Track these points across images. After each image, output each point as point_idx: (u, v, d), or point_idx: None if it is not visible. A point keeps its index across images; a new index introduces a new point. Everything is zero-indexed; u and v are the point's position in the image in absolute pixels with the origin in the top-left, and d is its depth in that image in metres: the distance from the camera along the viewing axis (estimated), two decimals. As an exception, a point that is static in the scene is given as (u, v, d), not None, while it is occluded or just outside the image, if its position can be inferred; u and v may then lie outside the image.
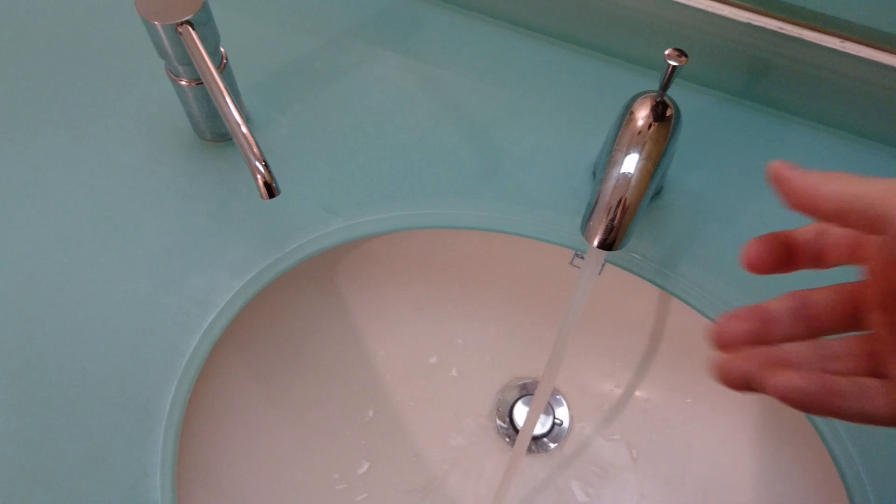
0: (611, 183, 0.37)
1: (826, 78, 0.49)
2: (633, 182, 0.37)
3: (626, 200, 0.37)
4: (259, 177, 0.36)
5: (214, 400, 0.47)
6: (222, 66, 0.46)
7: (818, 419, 0.43)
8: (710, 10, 0.49)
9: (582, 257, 0.50)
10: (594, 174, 0.50)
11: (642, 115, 0.40)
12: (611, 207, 0.37)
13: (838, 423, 0.42)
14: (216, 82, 0.39)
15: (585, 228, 0.38)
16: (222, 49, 0.46)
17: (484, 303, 0.55)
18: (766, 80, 0.52)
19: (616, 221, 0.37)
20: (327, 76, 0.54)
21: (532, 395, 0.55)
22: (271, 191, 0.36)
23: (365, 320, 0.54)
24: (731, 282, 0.46)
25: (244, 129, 0.37)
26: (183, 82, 0.45)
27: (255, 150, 0.37)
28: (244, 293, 0.46)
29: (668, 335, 0.51)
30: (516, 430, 0.55)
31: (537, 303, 0.55)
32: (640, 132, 0.39)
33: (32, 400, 0.42)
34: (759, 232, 0.48)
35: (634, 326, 0.52)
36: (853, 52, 0.47)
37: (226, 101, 0.38)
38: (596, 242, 0.37)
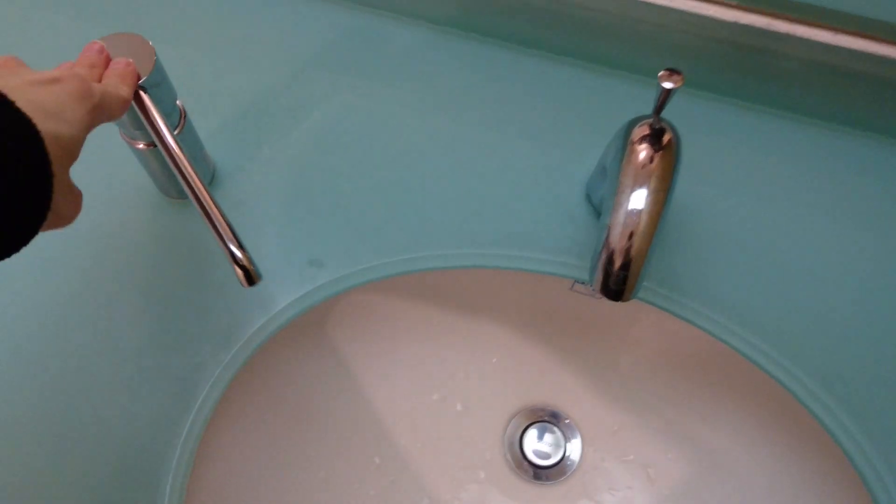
0: (617, 230, 0.35)
1: (820, 72, 0.47)
2: (641, 227, 0.35)
3: (634, 248, 0.35)
4: (237, 267, 0.33)
5: (215, 478, 0.44)
6: (181, 126, 0.42)
7: (841, 434, 0.42)
8: (695, 10, 0.47)
9: (583, 283, 0.48)
10: (588, 196, 0.47)
11: (643, 146, 0.37)
12: (619, 257, 0.35)
13: (862, 439, 0.41)
14: (185, 166, 0.35)
15: (593, 278, 0.36)
16: (179, 102, 0.42)
17: (483, 335, 0.53)
18: (758, 79, 0.49)
19: (627, 271, 0.35)
20: (295, 113, 0.50)
21: (541, 422, 0.54)
22: (251, 278, 0.33)
23: (362, 367, 0.52)
24: (741, 303, 0.45)
25: (216, 212, 0.34)
26: (140, 146, 0.42)
27: (229, 232, 0.34)
28: (233, 363, 0.43)
29: (677, 357, 0.49)
30: (528, 461, 0.53)
31: (538, 330, 0.53)
32: (643, 166, 0.37)
33: (18, 508, 0.40)
34: (768, 248, 0.46)
35: (645, 350, 0.51)
36: (846, 45, 0.45)
37: (194, 182, 0.35)
38: (606, 294, 0.35)
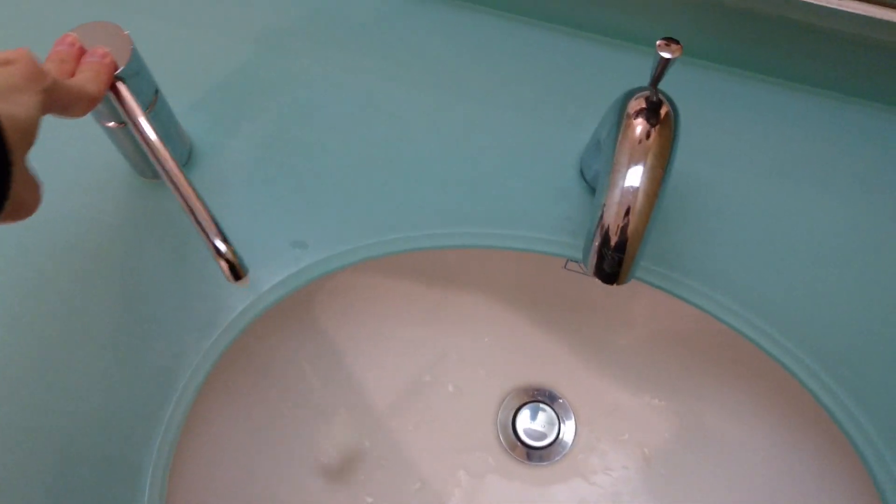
0: (612, 210, 0.33)
1: (825, 39, 0.45)
2: (637, 207, 0.33)
3: (630, 229, 0.33)
4: (222, 261, 0.31)
5: (198, 468, 0.43)
6: (152, 105, 0.40)
7: (840, 413, 0.41)
8: (694, -27, 0.44)
9: (576, 262, 0.46)
10: (582, 172, 0.46)
11: (639, 121, 0.35)
12: (614, 238, 0.33)
13: (863, 419, 0.40)
14: (163, 157, 0.33)
15: (587, 261, 0.34)
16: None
17: (475, 315, 0.52)
18: (760, 47, 0.47)
19: (622, 254, 0.33)
20: (277, 87, 0.48)
21: (533, 402, 0.53)
22: (237, 272, 0.32)
23: (350, 350, 0.50)
24: (740, 281, 0.43)
25: (197, 203, 0.32)
26: (110, 124, 0.39)
27: (212, 224, 0.32)
28: (215, 350, 0.42)
29: (674, 336, 0.48)
30: (522, 442, 0.52)
31: (531, 309, 0.51)
32: (639, 142, 0.35)
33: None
34: (769, 225, 0.45)
35: (640, 329, 0.49)
36: (854, 10, 0.43)
37: (173, 172, 0.33)
38: (601, 277, 0.34)
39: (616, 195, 0.33)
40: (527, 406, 0.53)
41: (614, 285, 0.34)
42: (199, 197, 0.32)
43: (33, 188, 0.29)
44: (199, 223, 0.32)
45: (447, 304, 0.51)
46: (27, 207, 0.29)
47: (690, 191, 0.45)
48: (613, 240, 0.33)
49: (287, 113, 0.47)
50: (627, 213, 0.33)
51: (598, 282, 0.47)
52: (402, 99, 0.48)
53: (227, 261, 0.31)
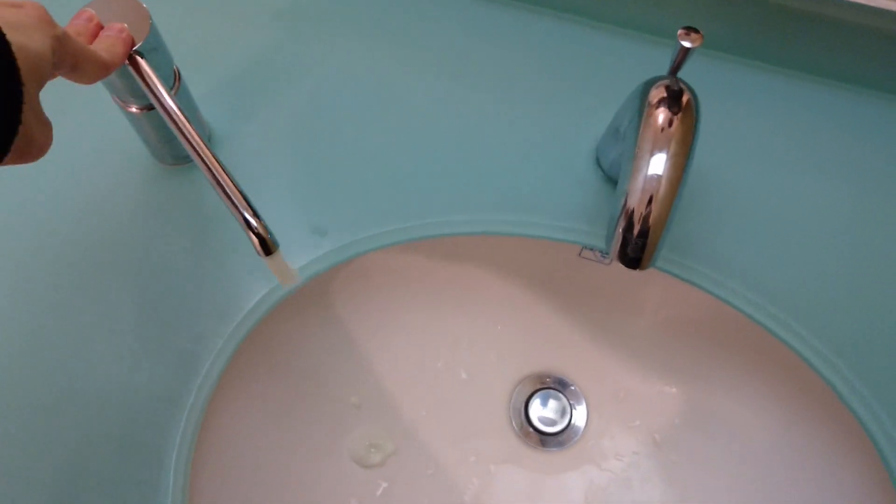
0: (636, 196, 0.34)
1: (843, 30, 0.45)
2: (661, 193, 0.34)
3: (654, 214, 0.33)
4: (252, 235, 0.32)
5: (220, 451, 0.43)
6: (176, 88, 0.40)
7: (852, 399, 0.41)
8: (709, -35, 0.45)
9: (591, 249, 0.47)
10: (598, 160, 0.46)
11: (660, 109, 0.36)
12: (638, 224, 0.34)
13: (875, 404, 0.41)
14: (189, 133, 0.33)
15: (610, 246, 0.35)
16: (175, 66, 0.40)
17: (488, 302, 0.52)
18: (776, 38, 0.48)
19: (646, 239, 0.34)
20: (293, 74, 0.48)
21: (547, 389, 0.53)
22: (267, 246, 0.32)
23: (366, 336, 0.51)
24: (753, 269, 0.44)
25: (226, 178, 0.32)
26: (133, 109, 0.40)
27: (242, 199, 0.32)
28: (236, 335, 0.42)
29: (686, 323, 0.49)
30: (534, 428, 0.53)
31: (544, 296, 0.52)
32: (662, 130, 0.35)
33: (39, 467, 0.39)
34: (782, 214, 0.45)
35: (652, 316, 0.50)
36: (873, 4, 0.44)
37: (201, 149, 0.33)
38: (624, 262, 0.34)
39: (640, 182, 0.34)
40: (539, 392, 0.53)
41: (637, 270, 0.34)
42: (227, 172, 0.32)
43: (45, 126, 0.29)
44: (229, 198, 0.32)
45: (461, 290, 0.52)
46: (38, 146, 0.29)
47: (704, 180, 0.46)
48: (637, 225, 0.34)
49: (304, 100, 0.48)
50: (651, 199, 0.34)
51: (612, 269, 0.48)
52: (419, 87, 0.48)
53: (258, 234, 0.31)
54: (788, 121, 0.48)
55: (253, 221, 0.32)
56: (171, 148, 0.44)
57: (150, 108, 0.40)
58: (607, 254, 0.47)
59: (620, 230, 0.34)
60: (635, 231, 0.34)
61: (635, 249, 0.34)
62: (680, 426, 0.51)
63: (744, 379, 0.48)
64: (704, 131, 0.47)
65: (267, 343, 0.45)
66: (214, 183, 0.33)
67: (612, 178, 0.46)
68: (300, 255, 0.43)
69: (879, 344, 0.42)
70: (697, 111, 0.36)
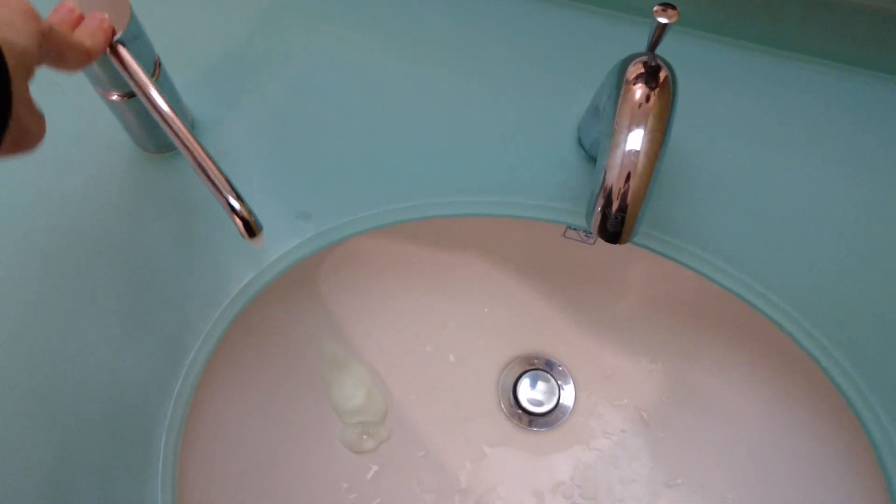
0: (614, 171, 0.34)
1: (817, 5, 0.46)
2: (639, 168, 0.34)
3: (633, 189, 0.34)
4: (237, 218, 0.32)
5: (208, 436, 0.44)
6: (157, 75, 0.40)
7: (838, 374, 0.42)
8: (686, -56, 0.45)
9: (575, 230, 0.47)
10: (580, 140, 0.46)
11: (638, 85, 0.36)
12: (617, 198, 0.34)
13: (860, 380, 0.42)
14: (172, 120, 0.34)
15: (590, 221, 0.35)
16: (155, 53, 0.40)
17: (475, 284, 0.53)
18: (751, 14, 0.48)
19: (625, 213, 0.34)
20: (275, 62, 0.48)
21: (534, 370, 0.54)
22: (252, 229, 0.32)
23: (354, 320, 0.51)
24: (736, 245, 0.44)
25: (209, 163, 0.32)
26: (114, 97, 0.40)
27: (225, 182, 0.32)
28: (223, 320, 0.42)
29: (671, 301, 0.49)
30: (523, 409, 0.53)
31: (530, 277, 0.52)
32: (639, 105, 0.36)
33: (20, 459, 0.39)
34: (764, 191, 0.46)
35: (637, 294, 0.50)
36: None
37: (182, 133, 0.33)
38: (604, 237, 0.35)
39: (618, 157, 0.34)
40: (528, 374, 0.54)
41: (618, 244, 0.35)
42: (210, 157, 0.33)
43: (38, 117, 0.30)
44: (212, 182, 0.32)
45: (448, 273, 0.52)
46: (32, 136, 0.29)
47: (685, 158, 0.46)
48: (616, 200, 0.34)
49: (287, 87, 0.48)
50: (629, 174, 0.34)
51: (596, 248, 0.48)
52: (400, 72, 0.48)
53: (242, 218, 0.32)
54: (768, 99, 0.48)
55: (236, 204, 0.32)
56: (153, 136, 0.44)
57: (132, 95, 0.40)
58: (589, 231, 0.47)
59: (600, 206, 0.34)
60: (614, 206, 0.34)
61: (615, 224, 0.34)
62: (667, 403, 0.51)
63: (729, 355, 0.49)
64: (684, 109, 0.47)
65: (254, 328, 0.45)
66: (197, 167, 0.33)
67: (594, 158, 0.46)
68: (285, 240, 0.44)
69: (861, 317, 0.43)
70: (675, 87, 0.37)
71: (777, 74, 0.49)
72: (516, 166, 0.46)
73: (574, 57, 0.49)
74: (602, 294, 0.51)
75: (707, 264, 0.44)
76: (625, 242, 0.34)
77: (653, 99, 0.36)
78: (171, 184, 0.45)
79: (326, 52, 0.49)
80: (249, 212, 0.32)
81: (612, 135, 0.35)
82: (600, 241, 0.48)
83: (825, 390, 0.43)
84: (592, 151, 0.46)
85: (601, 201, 0.34)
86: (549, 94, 0.48)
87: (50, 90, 0.46)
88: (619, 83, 0.37)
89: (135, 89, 0.35)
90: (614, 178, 0.34)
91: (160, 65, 0.40)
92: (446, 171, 0.46)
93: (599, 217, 0.35)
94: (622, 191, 0.34)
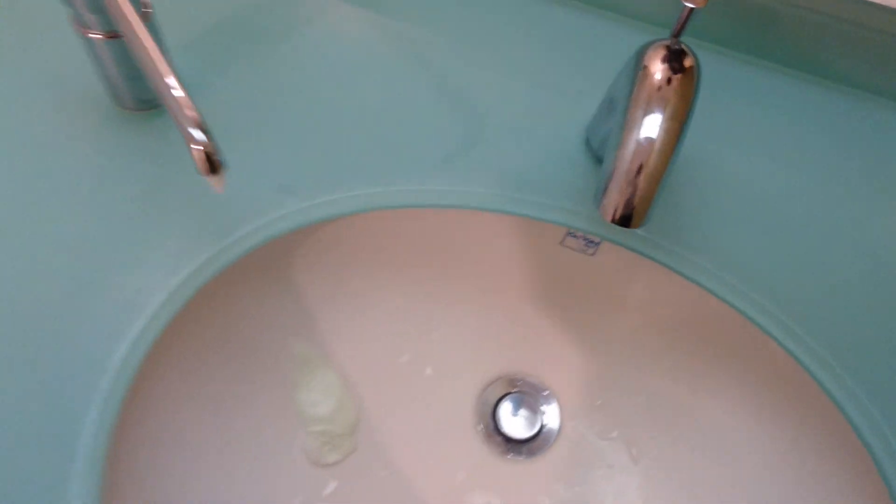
0: (630, 148, 0.31)
1: (837, 30, 0.44)
2: (657, 146, 0.31)
3: (649, 168, 0.31)
4: (195, 147, 0.28)
5: (147, 425, 0.39)
6: (145, 16, 0.37)
7: (849, 407, 0.38)
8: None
9: (574, 236, 0.44)
10: (587, 140, 0.44)
11: (659, 67, 0.34)
12: (631, 178, 0.31)
13: (876, 412, 0.38)
14: (139, 31, 0.30)
15: (600, 203, 0.32)
16: None
17: (462, 291, 0.49)
18: (770, 32, 0.46)
19: (638, 194, 0.31)
20: (275, 34, 0.46)
21: (518, 392, 0.49)
22: (213, 165, 0.29)
23: (325, 315, 0.47)
24: (745, 261, 0.41)
25: (175, 85, 0.29)
26: (94, 35, 0.37)
27: (191, 111, 0.29)
28: (182, 292, 0.38)
29: (673, 323, 0.46)
30: (502, 435, 0.48)
31: (520, 288, 0.49)
32: (659, 87, 0.33)
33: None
34: (774, 204, 0.43)
35: (637, 315, 0.47)
36: None
37: (150, 52, 0.30)
38: (613, 218, 0.31)
39: (633, 136, 0.32)
40: (510, 396, 0.50)
41: (629, 228, 0.31)
42: (182, 84, 0.29)
43: None
44: (174, 105, 0.29)
45: (434, 276, 0.48)
46: None
47: (696, 170, 0.44)
48: (631, 179, 0.31)
49: (283, 60, 0.45)
50: (646, 152, 0.31)
51: (595, 260, 0.45)
52: (402, 56, 0.46)
53: (203, 150, 0.28)
54: (782, 118, 0.46)
55: (199, 135, 0.28)
56: (133, 88, 0.41)
57: (115, 35, 0.37)
58: (591, 240, 0.44)
59: (612, 184, 0.31)
60: (630, 188, 0.31)
61: (627, 205, 0.31)
62: (661, 439, 0.47)
63: (735, 388, 0.45)
64: (700, 120, 0.45)
65: (214, 305, 0.41)
66: (163, 89, 0.30)
67: (601, 159, 0.43)
68: (262, 213, 0.40)
69: (879, 347, 0.40)
70: (699, 75, 0.34)
71: (800, 96, 0.47)
72: (519, 160, 0.43)
73: (586, 59, 0.47)
74: (600, 312, 0.48)
75: (718, 280, 0.41)
76: (637, 226, 0.31)
77: (675, 82, 0.33)
78: (147, 142, 0.41)
79: (330, 29, 0.46)
80: (212, 145, 0.28)
81: (626, 119, 0.32)
82: (601, 251, 0.44)
83: (840, 428, 0.39)
84: (600, 152, 0.43)
85: (614, 180, 0.31)
86: (558, 93, 0.46)
87: (24, 26, 0.43)
88: (637, 66, 0.34)
89: (118, 23, 0.32)
90: (629, 157, 0.31)
91: (151, 11, 0.38)
92: (444, 157, 0.43)
93: (611, 198, 0.31)
94: (637, 170, 0.31)
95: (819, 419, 0.40)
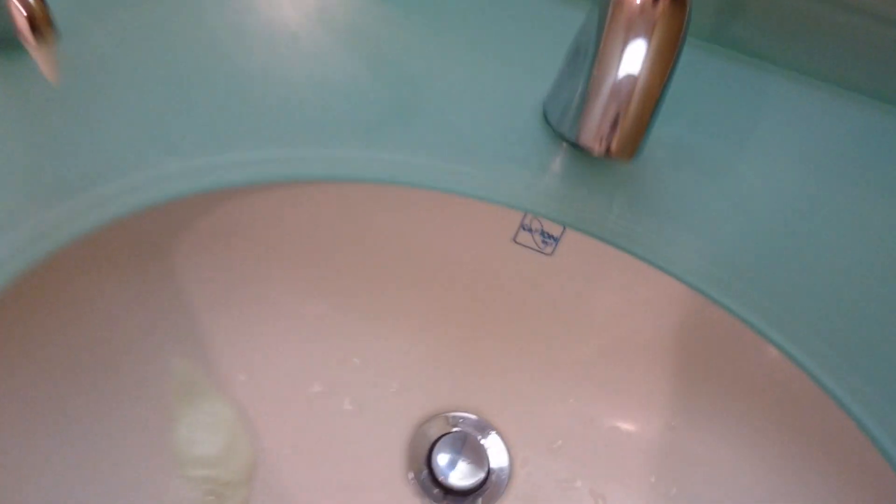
0: (612, 62, 0.24)
1: (807, 20, 0.40)
2: (651, 60, 0.24)
3: (642, 82, 0.24)
4: (18, 6, 0.19)
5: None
6: None
7: (872, 428, 0.31)
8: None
9: (529, 230, 0.36)
10: (545, 114, 0.37)
11: (641, -12, 0.27)
12: (620, 95, 0.24)
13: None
14: None
15: (575, 130, 0.24)
16: None
17: (392, 303, 0.40)
18: (737, 20, 0.42)
19: (630, 115, 0.24)
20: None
21: (458, 432, 0.40)
22: (37, 24, 0.20)
23: (215, 326, 0.37)
24: (724, 251, 0.34)
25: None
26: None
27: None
28: (2, 270, 0.28)
29: (646, 339, 0.38)
30: (439, 485, 0.39)
31: (463, 299, 0.40)
32: (642, 11, 0.26)
33: None
34: (746, 190, 0.37)
35: (605, 331, 0.39)
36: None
37: None
38: (599, 147, 0.24)
39: (617, 51, 0.25)
40: (448, 436, 0.40)
41: (622, 160, 0.24)
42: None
43: None
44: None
45: (355, 281, 0.39)
46: None
47: (668, 153, 0.37)
48: (621, 97, 0.24)
49: (179, 9, 0.37)
50: (637, 70, 0.24)
51: (554, 261, 0.37)
52: (325, 15, 0.39)
53: (27, 9, 0.19)
54: (774, 115, 0.41)
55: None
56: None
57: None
58: (549, 235, 0.36)
59: (595, 106, 0.24)
60: (617, 108, 0.24)
61: (612, 128, 0.24)
62: (634, 487, 0.38)
63: (727, 416, 0.37)
64: (691, 114, 0.39)
65: (48, 299, 0.30)
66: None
67: (559, 134, 0.36)
68: (130, 172, 0.31)
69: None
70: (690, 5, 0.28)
71: (792, 96, 0.42)
72: (464, 129, 0.36)
73: (544, 37, 0.41)
74: (559, 328, 0.39)
75: (699, 276, 0.34)
76: (630, 157, 0.24)
77: (662, 3, 0.27)
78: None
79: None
80: (46, 9, 0.20)
81: (599, 51, 0.25)
82: (560, 250, 0.37)
83: (867, 454, 0.31)
84: (559, 127, 0.36)
85: (598, 102, 0.24)
86: (511, 67, 0.39)
87: None
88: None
89: None
90: (613, 72, 0.24)
91: None
92: (375, 122, 0.35)
93: (596, 122, 0.24)
94: (630, 86, 0.24)
95: (860, 465, 0.33)
